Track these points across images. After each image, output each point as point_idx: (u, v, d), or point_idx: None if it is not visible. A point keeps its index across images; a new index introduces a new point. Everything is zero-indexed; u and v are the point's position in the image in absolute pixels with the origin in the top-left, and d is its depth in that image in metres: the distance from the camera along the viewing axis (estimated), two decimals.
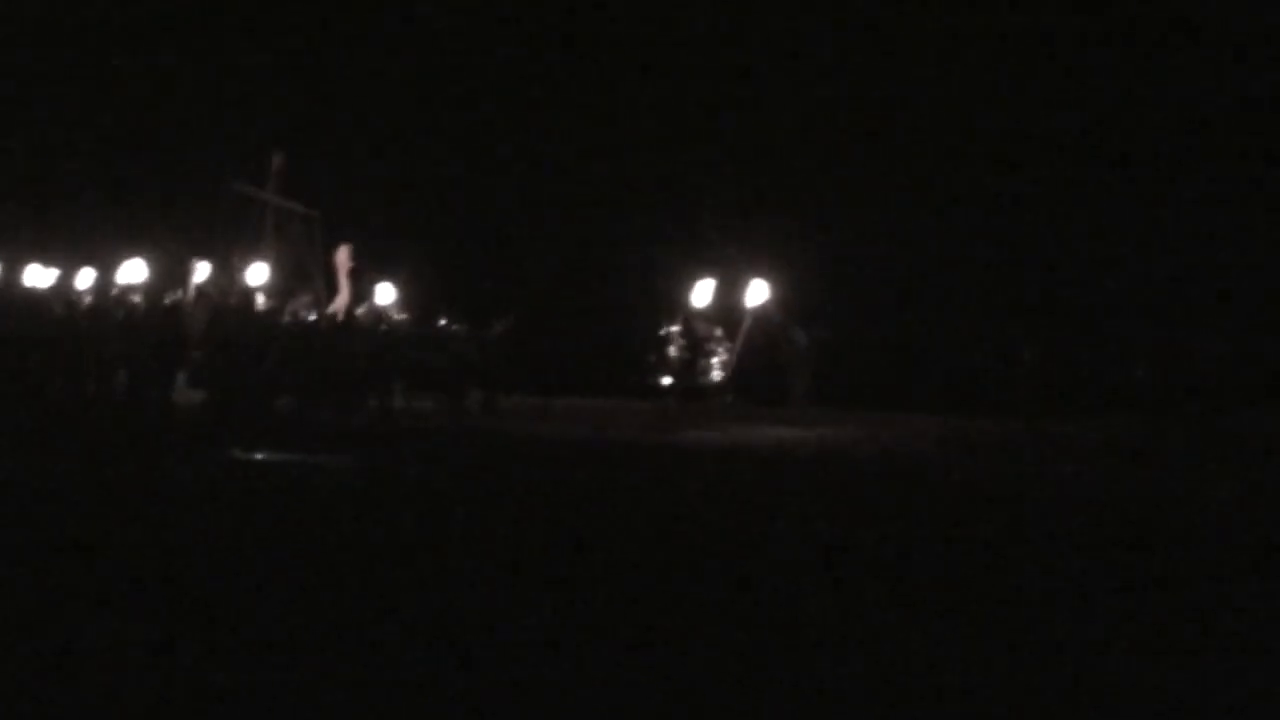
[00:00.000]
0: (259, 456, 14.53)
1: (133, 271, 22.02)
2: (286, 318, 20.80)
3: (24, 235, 24.28)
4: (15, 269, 22.74)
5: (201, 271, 22.42)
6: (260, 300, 21.24)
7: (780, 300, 22.47)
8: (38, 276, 22.63)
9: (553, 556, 8.98)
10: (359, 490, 12.25)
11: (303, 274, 22.78)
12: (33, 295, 21.96)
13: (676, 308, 22.21)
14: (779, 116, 27.38)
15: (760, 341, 22.54)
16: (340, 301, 21.82)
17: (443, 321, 22.08)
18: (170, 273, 22.53)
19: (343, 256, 22.16)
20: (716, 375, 22.03)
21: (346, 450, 15.15)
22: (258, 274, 21.65)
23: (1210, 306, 23.91)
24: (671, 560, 8.97)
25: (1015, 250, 26.25)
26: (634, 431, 19.25)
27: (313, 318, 21.23)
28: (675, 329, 21.98)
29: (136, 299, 21.40)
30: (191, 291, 22.14)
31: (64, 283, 22.47)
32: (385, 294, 22.29)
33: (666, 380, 21.96)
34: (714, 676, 6.20)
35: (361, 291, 21.96)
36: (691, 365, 21.99)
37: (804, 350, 22.39)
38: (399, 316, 21.96)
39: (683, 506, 11.70)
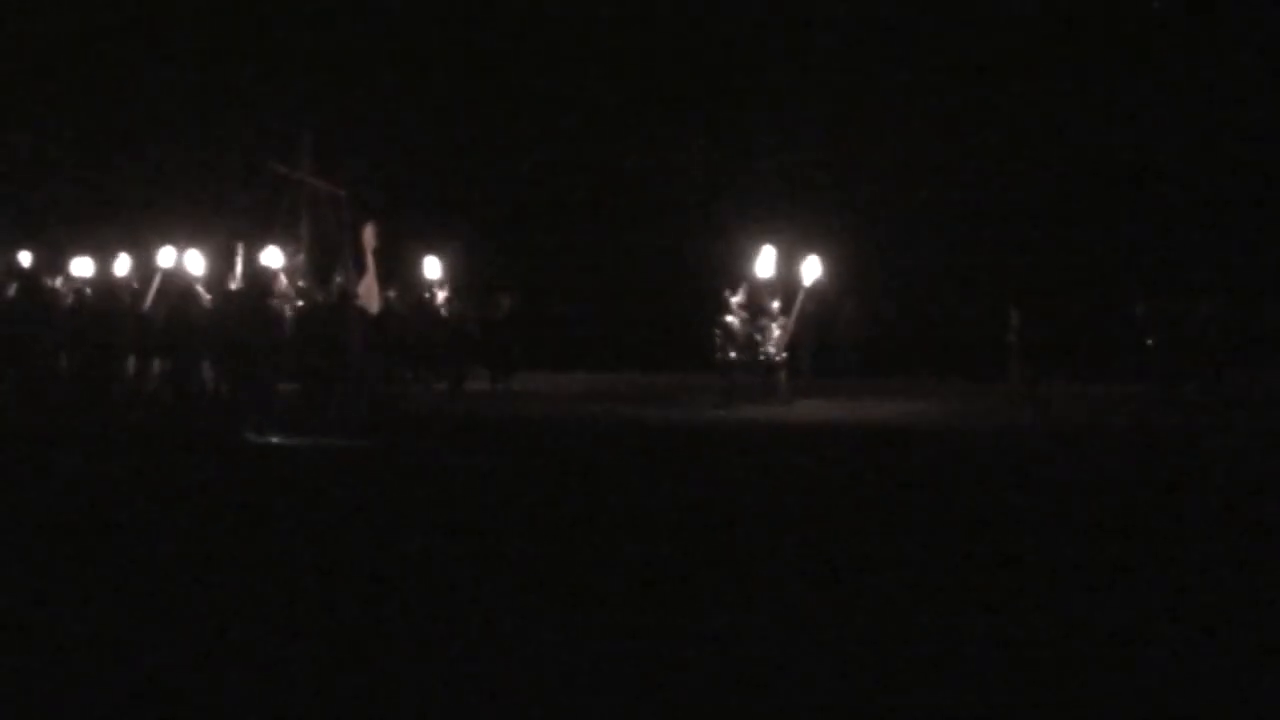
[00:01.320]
0: (274, 441, 14.86)
1: (170, 259, 21.66)
2: (297, 301, 20.28)
3: (66, 226, 23.94)
4: (58, 260, 22.45)
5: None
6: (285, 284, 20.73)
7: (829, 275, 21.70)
8: (81, 267, 22.30)
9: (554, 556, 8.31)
10: (350, 477, 12.10)
11: (332, 254, 22.27)
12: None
13: (739, 278, 21.21)
14: (835, 83, 26.33)
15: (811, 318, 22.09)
16: (367, 281, 21.29)
17: (442, 297, 21.56)
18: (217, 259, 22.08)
19: (368, 235, 21.63)
20: (773, 349, 21.03)
21: (342, 436, 15.34)
22: (273, 257, 21.13)
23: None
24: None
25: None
26: (661, 410, 18.60)
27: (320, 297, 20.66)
28: (738, 299, 20.90)
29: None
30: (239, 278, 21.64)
31: (104, 271, 22.05)
32: (431, 269, 21.96)
33: (731, 354, 20.86)
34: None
35: (388, 271, 21.46)
36: (752, 339, 20.96)
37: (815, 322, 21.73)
38: (443, 293, 21.62)
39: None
